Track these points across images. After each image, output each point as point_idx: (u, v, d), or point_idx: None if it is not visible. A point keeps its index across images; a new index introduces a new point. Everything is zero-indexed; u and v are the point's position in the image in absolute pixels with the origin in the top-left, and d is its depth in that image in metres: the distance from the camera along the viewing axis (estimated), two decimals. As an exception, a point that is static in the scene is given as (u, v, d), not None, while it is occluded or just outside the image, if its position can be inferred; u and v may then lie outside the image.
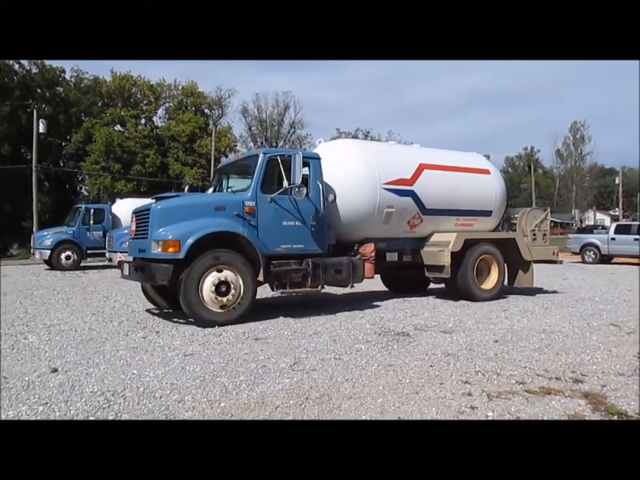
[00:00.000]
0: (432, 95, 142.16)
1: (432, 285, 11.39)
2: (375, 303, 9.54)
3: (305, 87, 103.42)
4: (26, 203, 32.48)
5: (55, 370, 5.30)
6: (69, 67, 45.84)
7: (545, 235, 11.12)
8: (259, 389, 4.64)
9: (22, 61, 41.51)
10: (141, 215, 8.15)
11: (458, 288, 9.90)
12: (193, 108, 48.86)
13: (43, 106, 40.77)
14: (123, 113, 44.90)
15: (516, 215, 11.22)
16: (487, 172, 10.89)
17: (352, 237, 9.21)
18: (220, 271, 7.45)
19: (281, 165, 8.00)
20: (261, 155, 8.21)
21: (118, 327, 7.55)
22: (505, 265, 10.54)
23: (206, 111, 51.12)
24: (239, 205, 7.79)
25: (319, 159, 8.63)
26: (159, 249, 7.33)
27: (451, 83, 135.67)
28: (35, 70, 42.84)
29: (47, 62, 42.80)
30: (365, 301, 9.93)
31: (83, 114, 44.86)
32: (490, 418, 3.93)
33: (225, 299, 7.45)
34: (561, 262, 11.69)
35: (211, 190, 9.89)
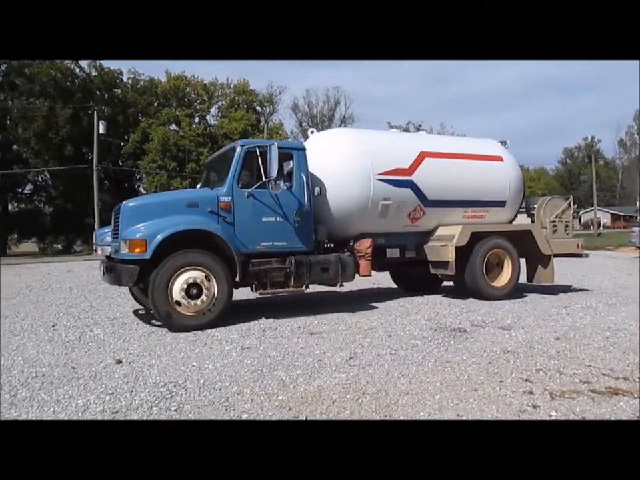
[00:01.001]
0: (485, 84, 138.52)
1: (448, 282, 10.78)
2: (429, 299, 9.41)
3: (355, 81, 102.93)
4: (88, 201, 33.83)
5: (120, 361, 5.52)
6: (126, 69, 47.41)
7: (567, 226, 10.19)
8: (315, 382, 4.67)
9: (82, 65, 43.35)
10: (116, 213, 7.61)
11: (466, 285, 9.22)
12: (245, 106, 49.56)
13: (103, 107, 42.33)
14: (177, 113, 46.06)
15: (535, 205, 10.32)
16: (499, 159, 9.97)
17: (347, 233, 8.66)
18: (191, 272, 7.02)
19: (259, 158, 7.49)
20: (238, 147, 7.73)
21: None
22: (524, 259, 9.85)
23: (257, 108, 51.76)
24: (212, 201, 7.33)
25: (303, 149, 8.13)
26: (126, 249, 6.93)
27: (504, 72, 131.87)
28: (94, 73, 44.56)
29: (105, 64, 44.46)
30: (418, 296, 9.80)
31: (139, 114, 46.32)
32: (553, 418, 3.81)
33: (196, 302, 7.01)
34: (587, 256, 10.46)
35: (199, 185, 9.42)
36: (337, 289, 8.40)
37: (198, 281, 7.02)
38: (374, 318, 7.57)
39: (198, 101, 49.45)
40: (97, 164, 32.85)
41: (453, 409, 4.00)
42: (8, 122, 39.51)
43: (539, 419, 3.81)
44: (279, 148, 7.55)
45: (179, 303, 6.93)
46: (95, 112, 33.73)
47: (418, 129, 53.50)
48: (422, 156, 8.98)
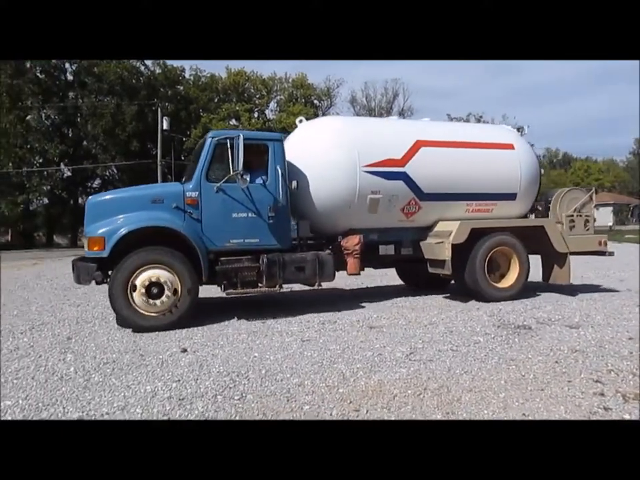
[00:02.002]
0: (551, 73, 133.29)
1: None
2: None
3: (414, 73, 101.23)
4: (152, 195, 34.88)
5: (185, 350, 5.70)
6: (188, 67, 48.64)
7: (587, 221, 9.13)
8: (376, 377, 4.66)
9: (147, 63, 44.81)
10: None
11: (466, 286, 8.53)
12: (303, 100, 49.86)
13: (166, 104, 43.59)
14: (237, 108, 46.92)
15: (551, 199, 9.32)
16: (510, 147, 9.06)
17: (334, 228, 8.17)
18: (153, 270, 6.73)
19: (230, 150, 7.06)
20: (208, 139, 7.35)
21: (240, 312, 7.90)
22: (539, 257, 9.13)
23: (315, 102, 51.95)
24: (178, 197, 6.99)
25: (279, 140, 7.69)
26: (87, 247, 6.76)
27: (571, 60, 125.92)
28: (158, 71, 45.99)
29: (169, 62, 45.78)
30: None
31: (201, 110, 47.46)
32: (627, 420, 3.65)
33: (157, 302, 6.70)
34: (612, 254, 9.41)
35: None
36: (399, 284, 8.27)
37: (159, 280, 6.71)
38: (434, 313, 7.46)
39: (257, 96, 50.18)
40: (161, 159, 33.97)
41: (519, 408, 3.89)
42: (78, 119, 41.43)
43: (539, 418, 3.72)
44: (252, 139, 7.47)
45: (140, 303, 6.67)
46: (159, 108, 34.86)
47: (478, 121, 52.21)
48: (417, 145, 8.30)
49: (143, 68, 45.12)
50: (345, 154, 7.86)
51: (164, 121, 33.50)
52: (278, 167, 7.39)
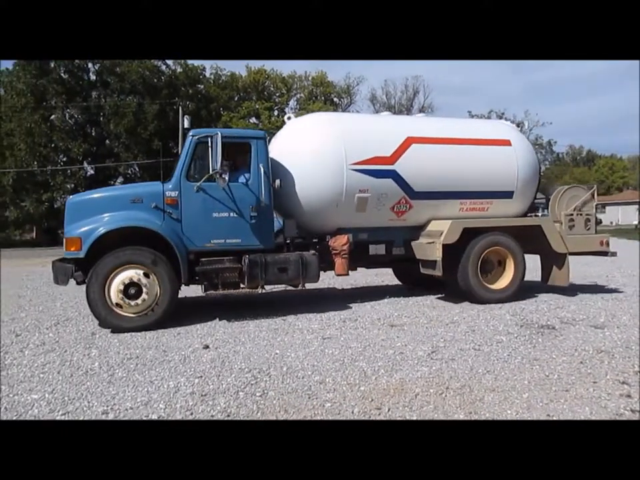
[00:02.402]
0: (575, 69, 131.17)
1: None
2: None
3: (435, 70, 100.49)
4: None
5: (207, 346, 5.75)
6: (208, 65, 48.94)
7: (588, 220, 8.74)
8: (397, 375, 4.64)
9: (168, 62, 45.21)
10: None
11: (458, 287, 8.19)
12: (323, 97, 49.87)
13: (187, 103, 44.00)
14: (257, 106, 47.10)
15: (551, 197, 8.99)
16: (506, 143, 8.74)
17: (323, 228, 8.02)
18: (131, 270, 6.68)
19: (210, 149, 6.93)
20: (188, 137, 7.25)
21: (260, 309, 7.93)
22: (539, 257, 8.85)
23: (335, 99, 51.94)
24: (157, 196, 6.89)
25: (262, 138, 7.46)
26: (64, 247, 6.73)
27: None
28: (179, 70, 46.37)
29: (190, 61, 46.09)
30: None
31: (221, 108, 47.76)
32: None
33: (135, 303, 6.65)
34: (614, 254, 8.97)
35: None
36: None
37: (136, 280, 6.65)
38: (455, 312, 7.41)
39: (277, 94, 50.34)
40: (182, 157, 34.15)
41: (543, 408, 3.85)
42: (101, 118, 41.99)
43: (539, 418, 3.69)
44: (234, 137, 7.44)
45: (116, 304, 6.62)
46: (180, 107, 35.21)
47: (500, 118, 51.61)
48: (408, 142, 8.04)
49: (164, 67, 45.57)
50: (331, 151, 7.67)
51: (185, 120, 33.76)
52: (261, 165, 7.22)
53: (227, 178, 6.91)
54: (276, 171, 7.54)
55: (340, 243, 7.72)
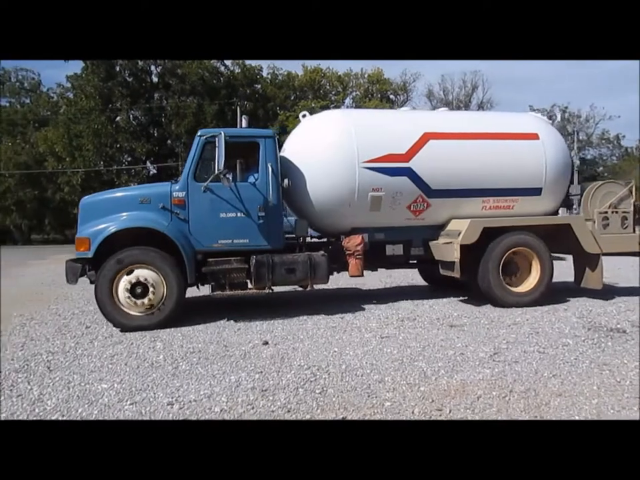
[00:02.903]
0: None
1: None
2: (579, 294, 8.70)
3: (495, 64, 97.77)
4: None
5: (266, 342, 5.83)
6: (265, 65, 49.56)
7: (625, 218, 8.05)
8: (458, 376, 4.56)
9: (226, 63, 46.11)
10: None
11: (479, 289, 7.80)
12: (379, 95, 49.51)
13: (245, 103, 44.69)
14: (313, 105, 47.19)
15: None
16: (533, 137, 8.19)
17: (337, 227, 7.86)
18: (138, 270, 6.70)
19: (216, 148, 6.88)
20: (196, 138, 7.19)
21: (318, 306, 7.97)
22: (572, 258, 8.31)
23: (391, 96, 51.44)
24: (165, 197, 6.94)
25: (271, 137, 7.34)
26: (75, 247, 6.86)
27: None
28: (237, 70, 47.20)
29: (247, 62, 46.83)
30: (566, 290, 9.10)
31: (278, 108, 48.26)
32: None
33: (142, 302, 6.68)
34: None
35: None
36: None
37: (142, 279, 6.67)
38: (517, 313, 7.18)
39: (333, 92, 50.36)
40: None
41: (614, 416, 3.69)
42: (163, 119, 43.34)
43: (538, 418, 3.67)
44: (242, 136, 7.44)
45: (124, 302, 6.68)
46: (238, 107, 35.85)
47: (564, 112, 49.67)
48: (425, 138, 7.72)
49: (223, 68, 46.50)
50: (343, 149, 7.50)
51: (243, 120, 33.64)
52: (269, 165, 7.12)
53: (230, 178, 6.91)
54: (288, 169, 7.50)
55: (354, 243, 7.52)
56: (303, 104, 47.27)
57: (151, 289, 6.69)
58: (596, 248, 7.86)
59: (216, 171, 6.81)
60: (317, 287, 7.40)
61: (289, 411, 3.93)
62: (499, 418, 3.68)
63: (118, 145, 40.87)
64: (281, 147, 7.90)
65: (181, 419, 3.90)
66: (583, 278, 8.11)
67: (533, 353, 5.23)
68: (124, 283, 6.67)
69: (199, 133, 7.22)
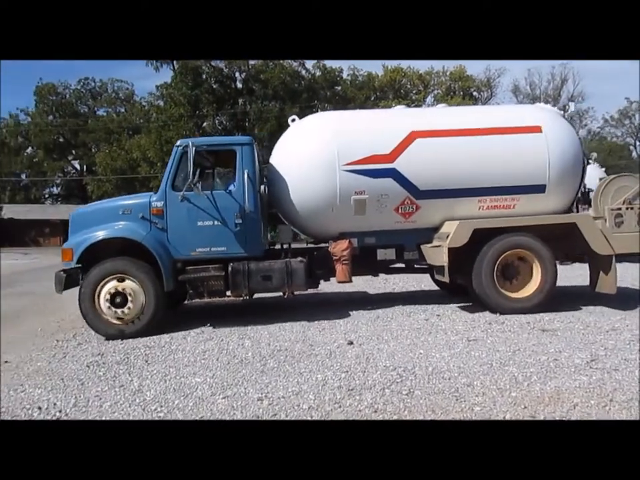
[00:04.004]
0: None
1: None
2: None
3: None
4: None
5: (351, 342, 5.87)
6: (346, 67, 49.79)
7: None
8: (552, 383, 4.37)
9: (307, 66, 46.79)
10: None
11: (475, 295, 7.33)
12: (461, 92, 48.35)
13: (325, 105, 45.15)
14: (393, 104, 46.91)
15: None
16: (535, 130, 7.55)
17: (323, 233, 7.69)
18: (120, 280, 6.80)
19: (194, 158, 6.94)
20: (174, 147, 7.26)
21: (401, 308, 7.91)
22: (587, 260, 7.61)
23: (474, 93, 50.08)
24: (144, 207, 7.05)
25: (247, 144, 7.32)
26: (61, 258, 7.09)
27: None
28: (318, 73, 47.77)
29: (328, 64, 47.26)
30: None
31: (358, 109, 48.36)
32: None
33: (122, 311, 6.77)
34: None
35: None
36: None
37: (121, 289, 6.77)
38: (616, 318, 6.74)
39: (414, 92, 49.76)
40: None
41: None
42: (247, 124, 44.69)
43: (538, 418, 3.66)
44: (218, 145, 7.54)
45: (106, 312, 6.79)
46: (319, 110, 36.23)
47: (577, 102, 46.21)
48: (411, 137, 7.34)
49: (304, 72, 47.23)
50: (322, 153, 7.33)
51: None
52: (245, 172, 7.08)
53: (200, 187, 6.99)
54: (273, 175, 7.54)
55: (340, 248, 7.32)
56: (383, 104, 47.08)
57: (129, 298, 6.80)
58: (607, 249, 7.11)
59: (188, 181, 6.90)
60: (402, 289, 7.36)
61: (375, 411, 3.95)
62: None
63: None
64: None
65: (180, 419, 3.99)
66: (597, 283, 7.36)
67: (634, 360, 4.90)
68: (104, 292, 6.80)
69: (177, 143, 7.31)
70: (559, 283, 7.52)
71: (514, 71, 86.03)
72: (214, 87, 44.72)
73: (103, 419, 4.13)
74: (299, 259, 7.26)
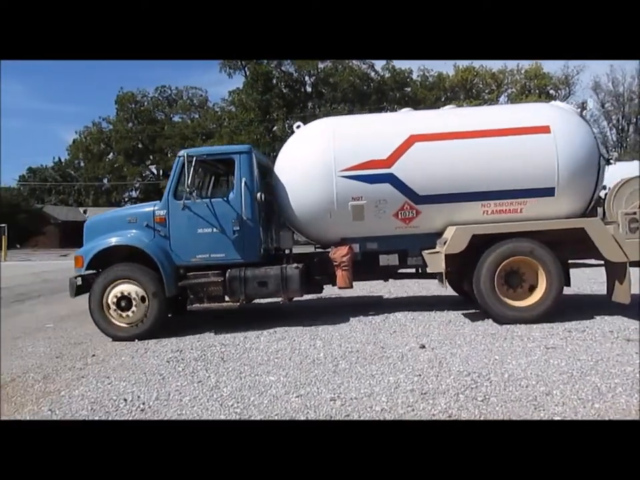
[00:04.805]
0: None
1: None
2: None
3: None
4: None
5: (423, 346, 5.82)
6: (415, 67, 49.30)
7: None
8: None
9: (377, 68, 46.71)
10: None
11: (477, 303, 7.05)
12: (537, 91, 46.64)
13: (395, 107, 44.89)
14: (464, 105, 45.98)
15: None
16: (543, 130, 7.16)
17: (325, 238, 7.71)
18: (124, 285, 7.13)
19: (194, 167, 7.15)
20: (177, 157, 7.44)
21: (472, 312, 7.72)
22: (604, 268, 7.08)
23: (551, 92, 48.15)
24: (148, 216, 7.34)
25: (247, 153, 7.35)
26: (74, 264, 7.53)
27: None
28: (387, 74, 47.56)
29: (397, 65, 46.94)
30: None
31: (428, 108, 47.73)
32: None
33: (127, 314, 7.09)
34: None
35: None
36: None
37: (126, 293, 7.09)
38: None
39: (486, 91, 48.54)
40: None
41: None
42: (316, 127, 45.24)
43: (539, 418, 3.69)
44: (218, 154, 7.82)
45: (113, 315, 7.13)
46: (388, 111, 36.03)
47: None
48: (410, 141, 7.18)
49: (373, 74, 47.19)
50: (319, 158, 7.33)
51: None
52: (243, 180, 7.19)
53: (195, 195, 7.16)
54: (275, 182, 7.66)
55: (340, 254, 7.32)
56: (454, 105, 46.29)
57: (134, 302, 7.12)
58: (620, 255, 6.67)
59: (186, 190, 7.13)
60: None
61: (449, 417, 3.90)
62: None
63: (275, 154, 43.44)
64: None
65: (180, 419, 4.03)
66: (614, 291, 6.90)
67: None
68: (111, 296, 7.15)
69: (179, 153, 7.48)
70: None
71: (594, 67, 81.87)
72: (284, 91, 45.57)
73: (104, 419, 4.21)
74: (294, 265, 7.33)
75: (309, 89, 47.39)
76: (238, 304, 7.41)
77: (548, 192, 7.19)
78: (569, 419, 3.71)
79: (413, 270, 8.07)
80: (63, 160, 63.51)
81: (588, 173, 7.26)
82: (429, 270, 7.26)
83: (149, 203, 8.30)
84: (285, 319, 7.68)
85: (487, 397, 4.22)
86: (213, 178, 8.32)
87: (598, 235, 6.79)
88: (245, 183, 7.22)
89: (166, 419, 4.17)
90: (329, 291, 8.89)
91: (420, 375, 4.81)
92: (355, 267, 7.42)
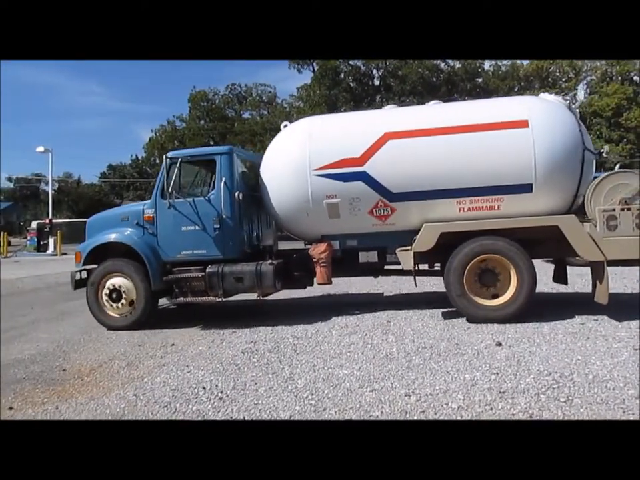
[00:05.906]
0: None
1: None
2: None
3: None
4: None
5: (500, 344, 5.66)
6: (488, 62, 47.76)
7: None
8: None
9: (447, 60, 45.63)
10: None
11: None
12: (619, 77, 43.98)
13: (465, 98, 43.74)
14: (537, 94, 44.16)
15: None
16: (521, 125, 6.86)
17: (307, 235, 7.88)
18: (116, 278, 7.70)
19: (180, 168, 7.64)
20: (164, 158, 7.82)
21: (551, 309, 7.41)
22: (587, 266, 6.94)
23: (635, 78, 45.28)
24: (138, 214, 7.82)
25: (227, 153, 7.63)
26: (74, 260, 8.20)
27: None
28: (457, 65, 46.36)
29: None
30: None
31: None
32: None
33: (116, 305, 7.68)
34: None
35: None
36: None
37: (117, 286, 7.66)
38: None
39: (563, 79, 46.29)
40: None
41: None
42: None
43: (539, 418, 3.65)
44: (199, 155, 8.07)
45: (106, 306, 7.74)
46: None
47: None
48: (384, 138, 7.11)
49: (442, 65, 46.15)
50: (296, 157, 7.43)
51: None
52: (223, 179, 7.49)
53: (175, 195, 7.54)
54: (260, 180, 7.83)
55: (318, 251, 7.45)
56: (528, 94, 44.49)
57: (124, 295, 7.68)
58: (597, 254, 6.43)
59: (168, 190, 7.55)
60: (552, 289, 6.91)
61: (530, 417, 3.77)
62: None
63: (342, 148, 43.49)
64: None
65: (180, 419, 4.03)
66: (596, 291, 6.64)
67: None
68: (104, 288, 7.75)
69: (167, 154, 7.91)
70: None
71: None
72: (351, 85, 45.43)
73: (104, 419, 4.23)
74: (269, 261, 7.50)
75: (376, 82, 47.02)
76: (217, 299, 7.66)
77: (525, 188, 6.97)
78: (568, 419, 3.67)
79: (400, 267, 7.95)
80: (140, 157, 66.40)
81: (569, 168, 6.92)
82: (402, 267, 7.24)
83: (139, 202, 9.00)
84: (354, 314, 7.68)
85: (570, 398, 4.05)
86: (212, 177, 8.49)
87: (573, 233, 6.58)
88: (225, 182, 7.53)
89: (166, 419, 4.19)
90: (392, 286, 8.80)
91: (497, 373, 4.68)
92: (336, 263, 7.63)
